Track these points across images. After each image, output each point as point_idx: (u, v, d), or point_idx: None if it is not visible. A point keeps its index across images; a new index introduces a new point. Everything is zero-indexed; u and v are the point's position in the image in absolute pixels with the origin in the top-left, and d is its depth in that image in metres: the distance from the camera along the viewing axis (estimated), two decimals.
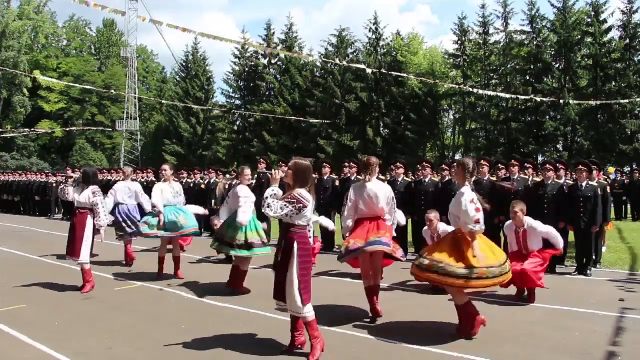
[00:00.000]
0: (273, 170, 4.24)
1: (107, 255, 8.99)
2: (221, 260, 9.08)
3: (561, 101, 26.94)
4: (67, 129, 43.21)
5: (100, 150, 49.68)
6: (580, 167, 7.85)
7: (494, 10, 33.91)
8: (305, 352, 4.23)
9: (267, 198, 4.06)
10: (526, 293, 6.10)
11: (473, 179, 4.87)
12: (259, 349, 4.44)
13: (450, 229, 5.36)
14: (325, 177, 10.27)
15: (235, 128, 42.25)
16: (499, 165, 9.34)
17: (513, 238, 6.24)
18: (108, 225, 8.15)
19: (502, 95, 27.75)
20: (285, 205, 4.09)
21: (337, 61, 29.04)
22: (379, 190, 5.33)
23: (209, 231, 13.13)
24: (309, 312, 4.14)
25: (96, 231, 6.81)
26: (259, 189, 11.49)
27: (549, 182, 7.93)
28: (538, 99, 24.80)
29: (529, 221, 6.16)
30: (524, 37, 33.00)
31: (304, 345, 4.32)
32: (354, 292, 6.22)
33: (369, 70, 23.99)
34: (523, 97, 27.25)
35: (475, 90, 26.21)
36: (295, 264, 4.12)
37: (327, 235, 9.81)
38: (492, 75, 34.17)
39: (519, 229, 6.14)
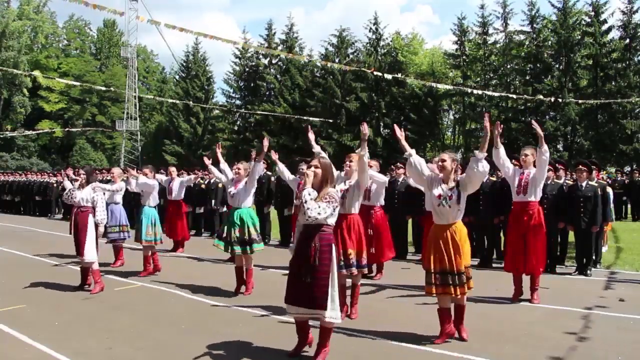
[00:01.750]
0: (308, 170, 4.04)
1: (107, 255, 8.97)
2: (220, 260, 9.07)
3: (560, 100, 26.93)
4: (67, 129, 43.22)
5: (100, 150, 49.70)
6: (580, 167, 7.85)
7: (493, 11, 33.96)
8: (309, 355, 4.21)
9: (308, 201, 3.89)
10: (525, 294, 6.09)
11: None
12: (259, 349, 4.44)
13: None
14: None
15: (236, 128, 42.27)
16: None
17: (515, 182, 6.07)
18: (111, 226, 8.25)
19: (498, 94, 27.74)
20: (327, 205, 3.96)
21: (337, 61, 29.07)
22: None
23: (209, 231, 13.14)
24: (339, 319, 4.07)
25: (97, 228, 6.84)
26: (259, 189, 11.53)
27: (549, 182, 7.92)
28: (530, 97, 24.77)
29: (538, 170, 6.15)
30: (523, 37, 33.02)
31: (311, 344, 4.28)
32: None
33: (375, 73, 23.97)
34: (522, 97, 27.25)
35: (472, 91, 26.20)
36: (335, 267, 4.04)
37: None
38: (491, 75, 34.18)
39: (524, 171, 6.06)
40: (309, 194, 3.94)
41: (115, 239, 8.56)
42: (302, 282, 3.95)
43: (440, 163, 4.69)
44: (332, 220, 4.07)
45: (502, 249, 8.87)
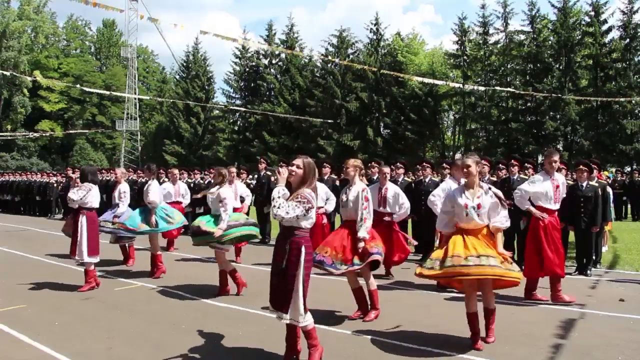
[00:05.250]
0: (280, 168, 3.96)
1: (107, 255, 8.98)
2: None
3: (560, 95, 26.98)
4: (68, 132, 43.22)
5: (101, 150, 49.71)
6: (581, 167, 7.83)
7: (493, 11, 34.01)
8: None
9: (276, 198, 3.79)
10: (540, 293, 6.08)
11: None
12: (259, 349, 4.44)
13: None
14: (325, 177, 10.26)
15: (236, 128, 42.30)
16: (499, 165, 9.33)
17: (551, 191, 5.93)
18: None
19: (500, 89, 27.82)
20: (296, 205, 3.83)
21: (337, 60, 29.10)
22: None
23: None
24: (309, 320, 3.96)
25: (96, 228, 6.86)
26: (259, 189, 11.55)
27: None
28: (533, 92, 24.80)
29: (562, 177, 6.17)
30: (523, 37, 33.04)
31: (299, 355, 4.17)
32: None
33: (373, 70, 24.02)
34: (524, 93, 27.29)
35: (475, 88, 26.23)
36: (302, 271, 3.88)
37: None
38: (492, 75, 34.20)
39: (554, 179, 5.98)
40: (279, 192, 3.84)
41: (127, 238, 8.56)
42: (273, 282, 3.99)
43: (465, 170, 4.63)
44: (305, 224, 3.93)
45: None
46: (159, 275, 7.59)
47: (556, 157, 5.99)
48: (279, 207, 3.78)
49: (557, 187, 5.97)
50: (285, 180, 3.93)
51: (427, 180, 9.23)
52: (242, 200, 8.89)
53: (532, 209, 5.99)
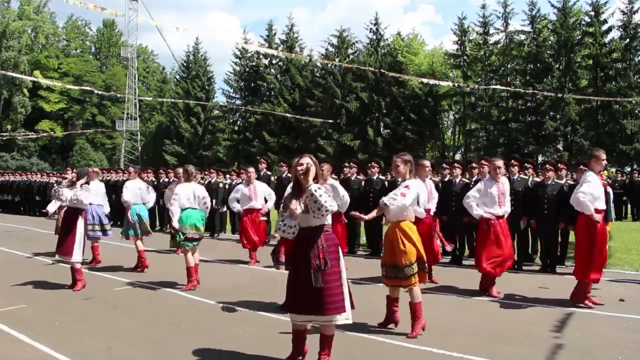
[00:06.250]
0: (308, 166, 3.70)
1: (106, 256, 8.98)
2: (221, 260, 9.09)
3: (560, 96, 27.00)
4: (68, 132, 43.21)
5: (101, 150, 49.70)
6: (581, 167, 7.82)
7: (494, 10, 34.01)
8: None
9: (322, 195, 3.57)
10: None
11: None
12: (259, 349, 4.43)
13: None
14: None
15: (236, 128, 42.31)
16: None
17: (600, 187, 5.68)
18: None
19: (501, 87, 27.80)
20: (332, 198, 3.67)
21: (337, 61, 29.12)
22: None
23: (209, 231, 13.12)
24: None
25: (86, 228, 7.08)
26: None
27: (549, 182, 7.92)
28: (536, 91, 24.81)
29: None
30: (524, 37, 33.03)
31: (304, 356, 4.14)
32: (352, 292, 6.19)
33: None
34: (524, 92, 27.29)
35: (477, 87, 26.22)
36: (344, 265, 3.82)
37: None
38: (492, 75, 34.19)
39: (602, 175, 5.90)
40: (320, 187, 3.61)
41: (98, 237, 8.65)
42: (311, 288, 3.65)
43: (394, 168, 4.93)
44: (329, 218, 3.82)
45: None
46: (143, 270, 8.03)
47: (604, 156, 5.80)
48: (328, 201, 3.60)
49: (605, 185, 5.91)
50: (311, 178, 3.70)
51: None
52: (266, 201, 8.92)
53: (594, 213, 5.56)
